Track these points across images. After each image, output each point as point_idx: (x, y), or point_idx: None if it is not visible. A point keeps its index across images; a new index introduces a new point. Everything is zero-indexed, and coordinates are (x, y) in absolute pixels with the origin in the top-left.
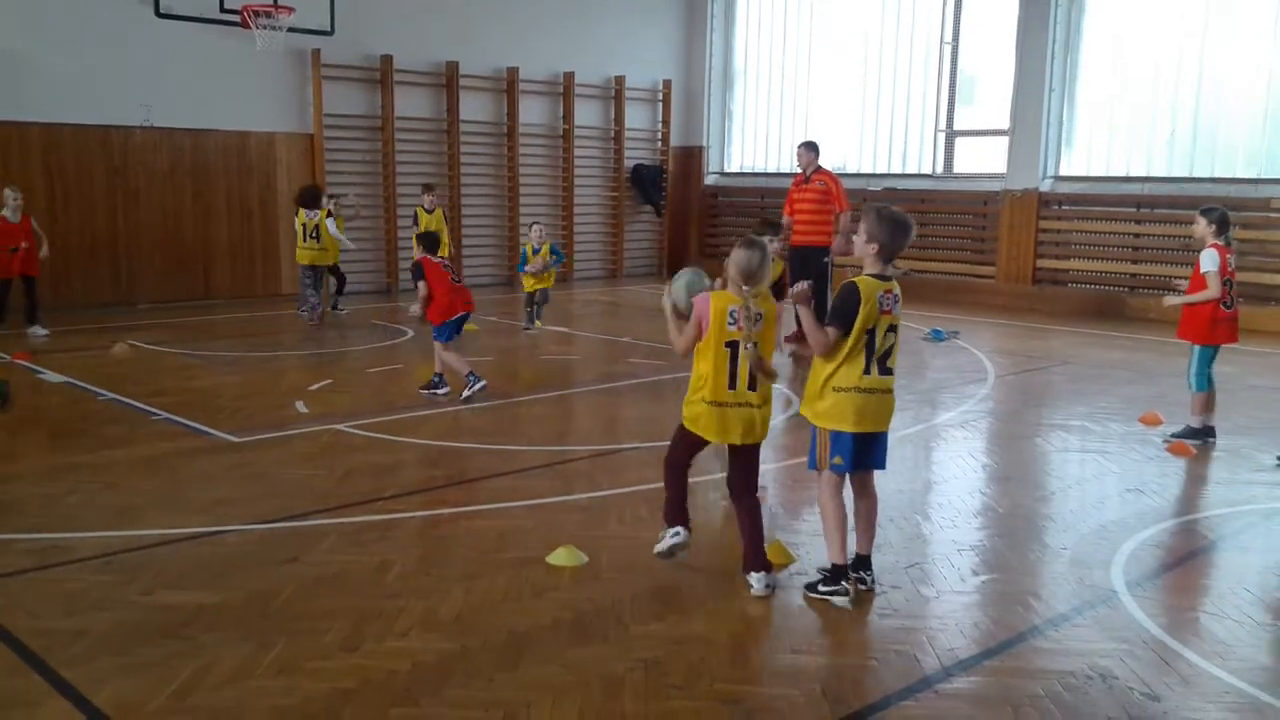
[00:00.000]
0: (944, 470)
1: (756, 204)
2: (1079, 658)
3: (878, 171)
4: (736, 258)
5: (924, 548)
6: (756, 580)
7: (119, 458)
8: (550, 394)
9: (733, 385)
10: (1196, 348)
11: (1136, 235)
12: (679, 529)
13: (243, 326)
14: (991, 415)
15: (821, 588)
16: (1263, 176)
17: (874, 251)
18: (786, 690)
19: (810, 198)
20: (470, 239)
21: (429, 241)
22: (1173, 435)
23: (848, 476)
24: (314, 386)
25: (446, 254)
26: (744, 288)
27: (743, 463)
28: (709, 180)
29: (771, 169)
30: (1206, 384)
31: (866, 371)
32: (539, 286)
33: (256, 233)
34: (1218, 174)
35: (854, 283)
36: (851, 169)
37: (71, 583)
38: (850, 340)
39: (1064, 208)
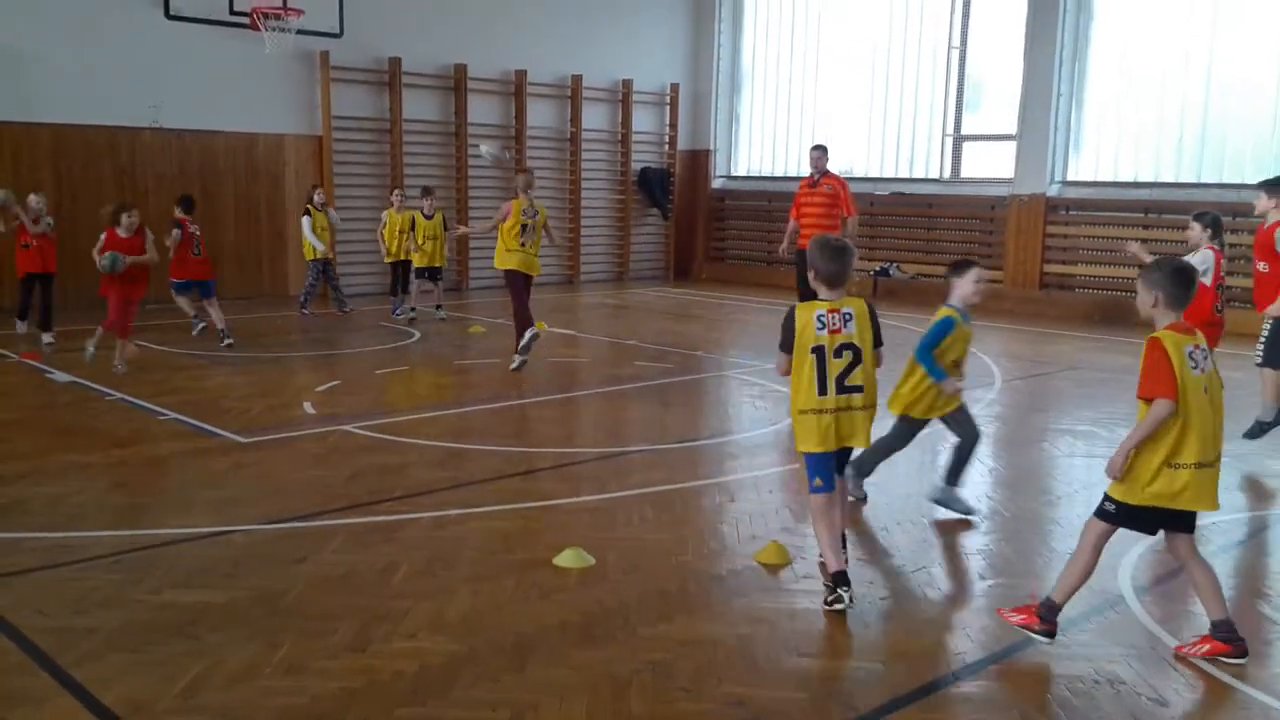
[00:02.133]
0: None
1: (764, 207)
2: (1086, 663)
3: (885, 176)
4: (519, 180)
5: (931, 552)
6: (529, 332)
7: (127, 457)
8: (557, 396)
9: (522, 246)
10: None
11: (1144, 241)
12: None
13: (250, 327)
14: (999, 420)
15: (830, 598)
16: None
17: (816, 278)
18: (793, 693)
19: (818, 202)
20: (476, 242)
21: (186, 204)
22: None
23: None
24: (321, 387)
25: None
26: (527, 193)
27: (526, 295)
28: (716, 184)
29: (779, 173)
30: None
31: (823, 392)
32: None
33: (264, 234)
34: (1225, 180)
35: (792, 307)
36: (859, 173)
37: (80, 582)
38: (798, 362)
39: (1071, 213)
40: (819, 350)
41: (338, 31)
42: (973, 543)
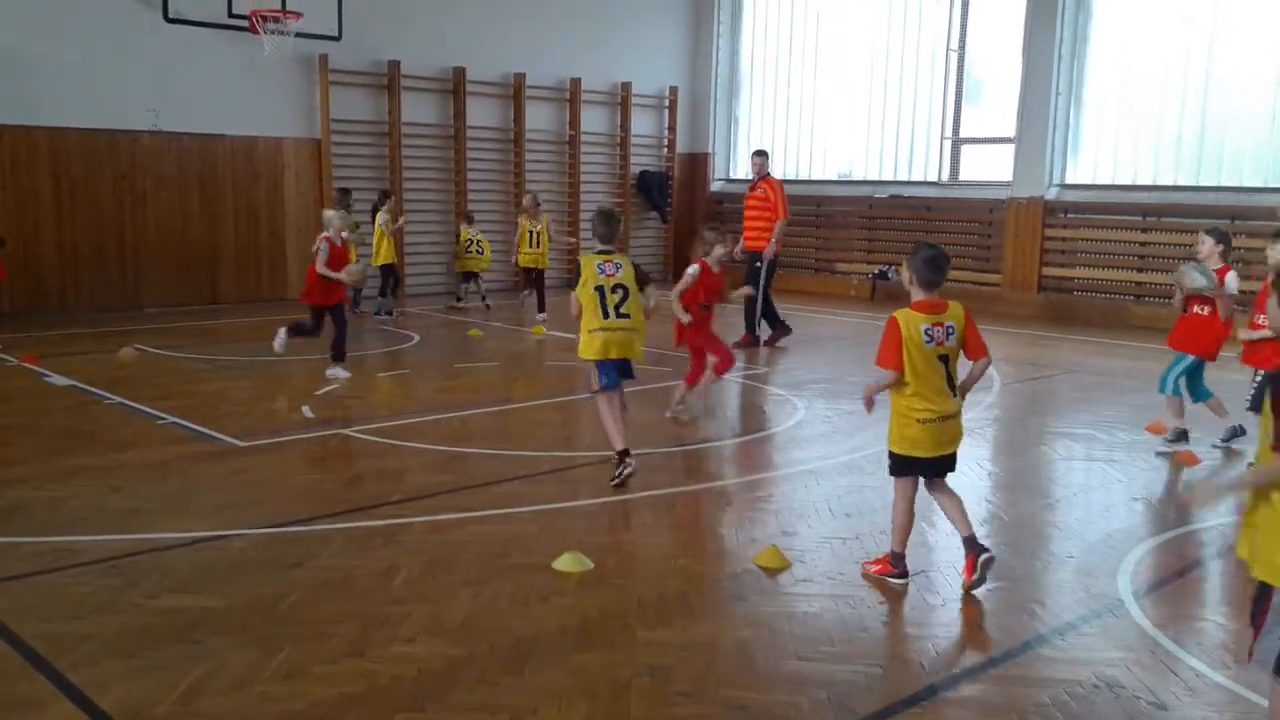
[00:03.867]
0: (950, 478)
1: None
2: (1085, 666)
3: (884, 178)
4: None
5: (929, 555)
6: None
7: (125, 461)
8: (556, 399)
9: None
10: (1190, 358)
11: (1142, 244)
12: None
13: (249, 331)
14: (997, 423)
15: (616, 474)
16: (1268, 185)
17: (595, 235)
18: (792, 697)
19: (754, 205)
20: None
21: None
22: (1169, 440)
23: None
24: (320, 391)
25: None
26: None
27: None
28: (714, 187)
29: (777, 176)
30: (1179, 390)
31: (605, 316)
32: None
33: (263, 237)
34: (1224, 183)
35: (579, 259)
36: (858, 175)
37: (77, 586)
38: (588, 297)
39: (1070, 216)
40: (600, 288)
41: (337, 35)
42: None
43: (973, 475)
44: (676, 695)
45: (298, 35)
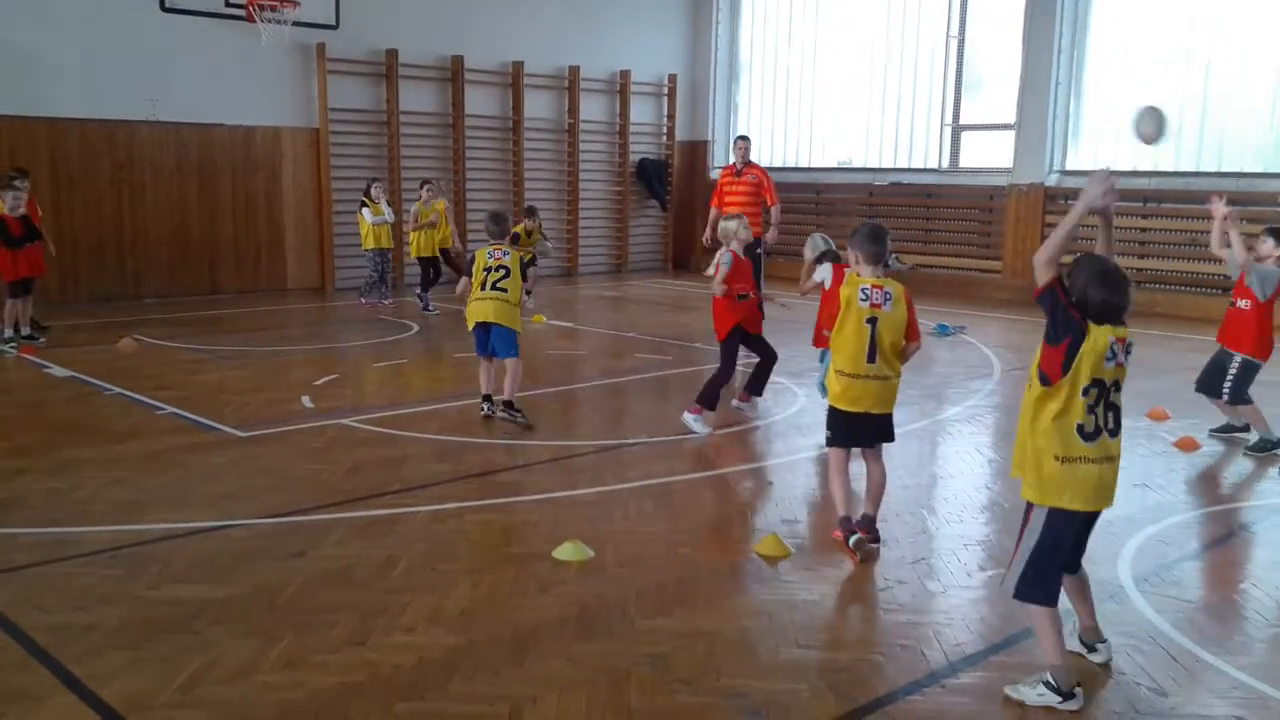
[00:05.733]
0: (950, 465)
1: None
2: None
3: (884, 166)
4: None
5: (930, 543)
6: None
7: (125, 452)
8: (556, 389)
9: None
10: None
11: (1143, 230)
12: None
13: (248, 321)
14: (998, 410)
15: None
16: (1269, 171)
17: (487, 231)
18: (792, 685)
19: (742, 190)
20: (475, 235)
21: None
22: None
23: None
24: (320, 381)
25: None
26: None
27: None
28: (714, 174)
29: (777, 163)
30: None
31: (483, 289)
32: None
33: (262, 227)
34: (1225, 168)
35: (476, 252)
36: (858, 163)
37: (79, 577)
38: (475, 277)
39: (1070, 202)
40: (488, 269)
41: (334, 23)
42: (972, 533)
43: (973, 462)
44: (676, 683)
45: (295, 24)
